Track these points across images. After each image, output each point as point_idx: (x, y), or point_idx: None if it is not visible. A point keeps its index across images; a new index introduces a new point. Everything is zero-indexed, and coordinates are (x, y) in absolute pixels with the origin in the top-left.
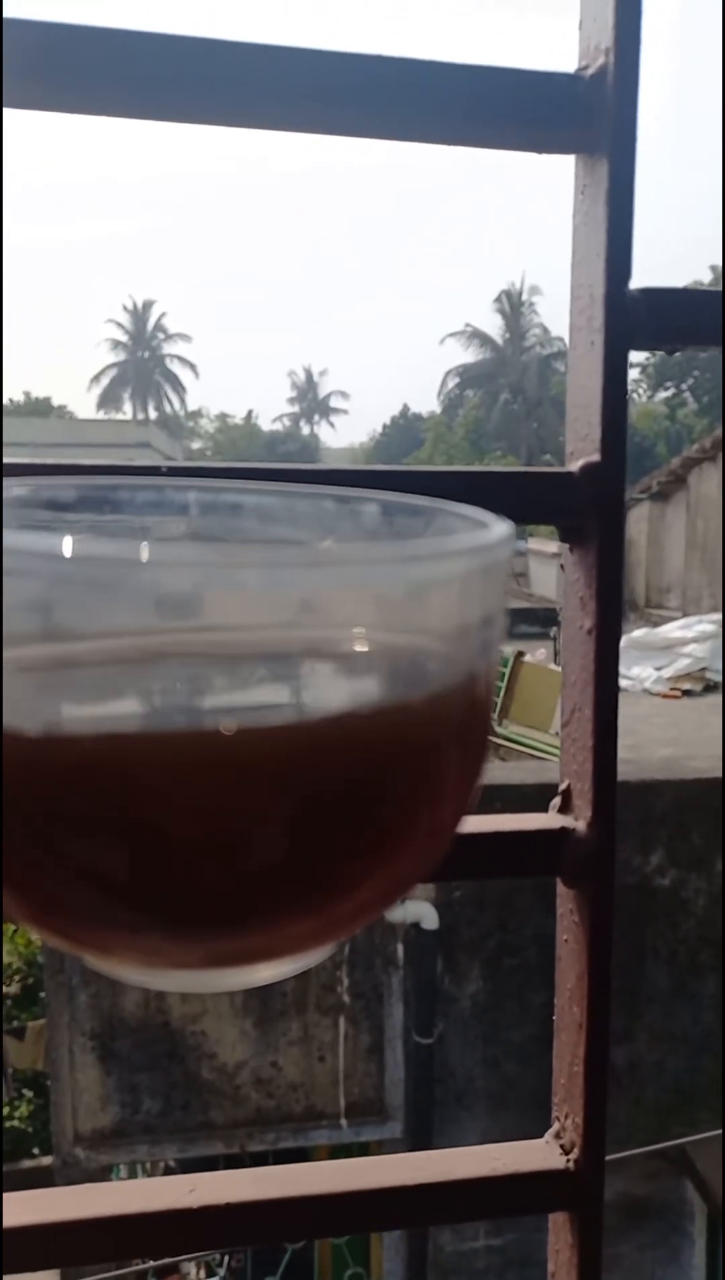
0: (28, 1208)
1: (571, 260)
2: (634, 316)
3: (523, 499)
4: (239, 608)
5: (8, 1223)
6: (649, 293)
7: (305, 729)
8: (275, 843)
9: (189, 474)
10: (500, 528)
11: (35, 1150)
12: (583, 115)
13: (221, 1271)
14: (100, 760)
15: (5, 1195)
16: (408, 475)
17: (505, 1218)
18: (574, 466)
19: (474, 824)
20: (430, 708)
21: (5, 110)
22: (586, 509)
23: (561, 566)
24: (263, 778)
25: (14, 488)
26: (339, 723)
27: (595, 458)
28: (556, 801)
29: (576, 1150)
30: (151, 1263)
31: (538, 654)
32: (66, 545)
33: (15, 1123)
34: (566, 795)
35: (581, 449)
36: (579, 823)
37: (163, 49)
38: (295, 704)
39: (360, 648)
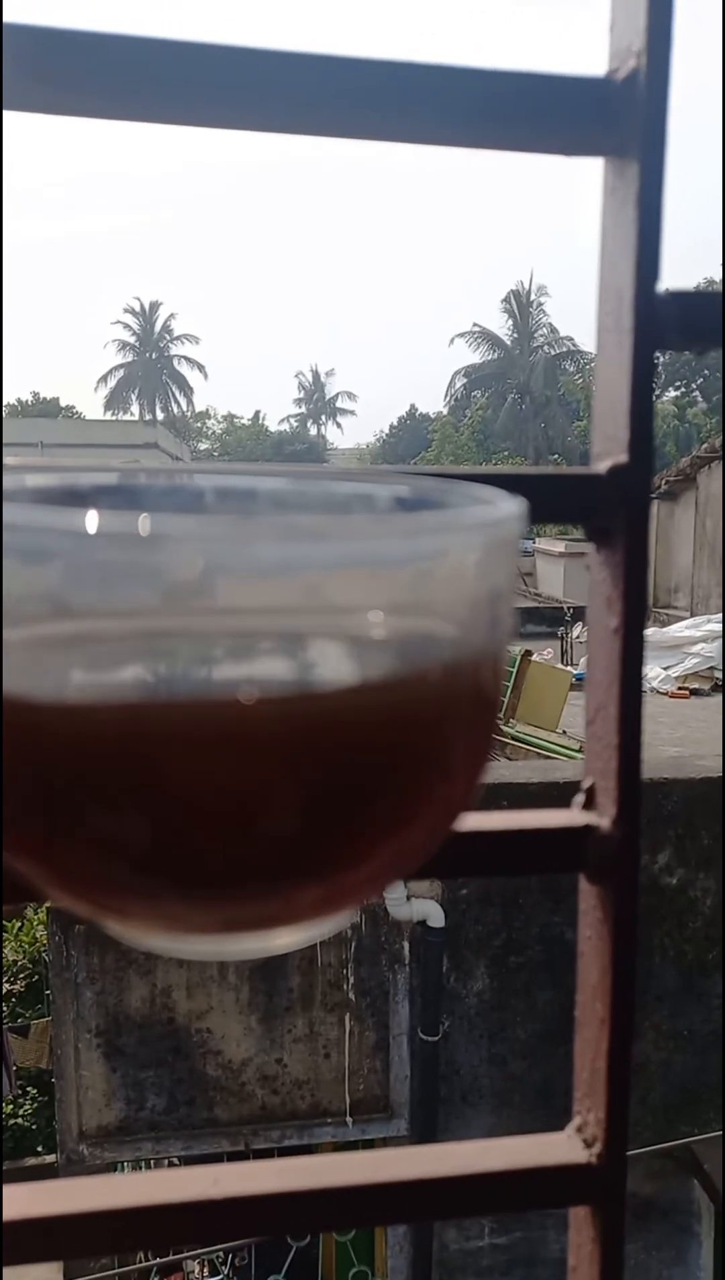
0: (42, 1198)
1: (599, 261)
2: (663, 318)
3: (550, 499)
4: (249, 580)
5: (23, 1214)
6: (678, 295)
7: (318, 700)
8: (289, 811)
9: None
10: (508, 504)
11: (39, 1148)
12: (613, 118)
13: (226, 1270)
14: (118, 729)
15: (22, 1185)
16: (433, 476)
17: (527, 1211)
18: (601, 467)
19: (497, 820)
20: (440, 681)
21: (7, 112)
22: (614, 510)
23: (587, 567)
24: (277, 747)
25: (28, 478)
26: (350, 694)
27: (623, 459)
28: (580, 798)
29: (599, 1144)
30: (156, 1260)
31: (545, 653)
32: (82, 520)
33: (20, 1120)
34: (590, 793)
35: (608, 450)
36: (603, 820)
37: (165, 55)
38: (307, 676)
39: (370, 620)
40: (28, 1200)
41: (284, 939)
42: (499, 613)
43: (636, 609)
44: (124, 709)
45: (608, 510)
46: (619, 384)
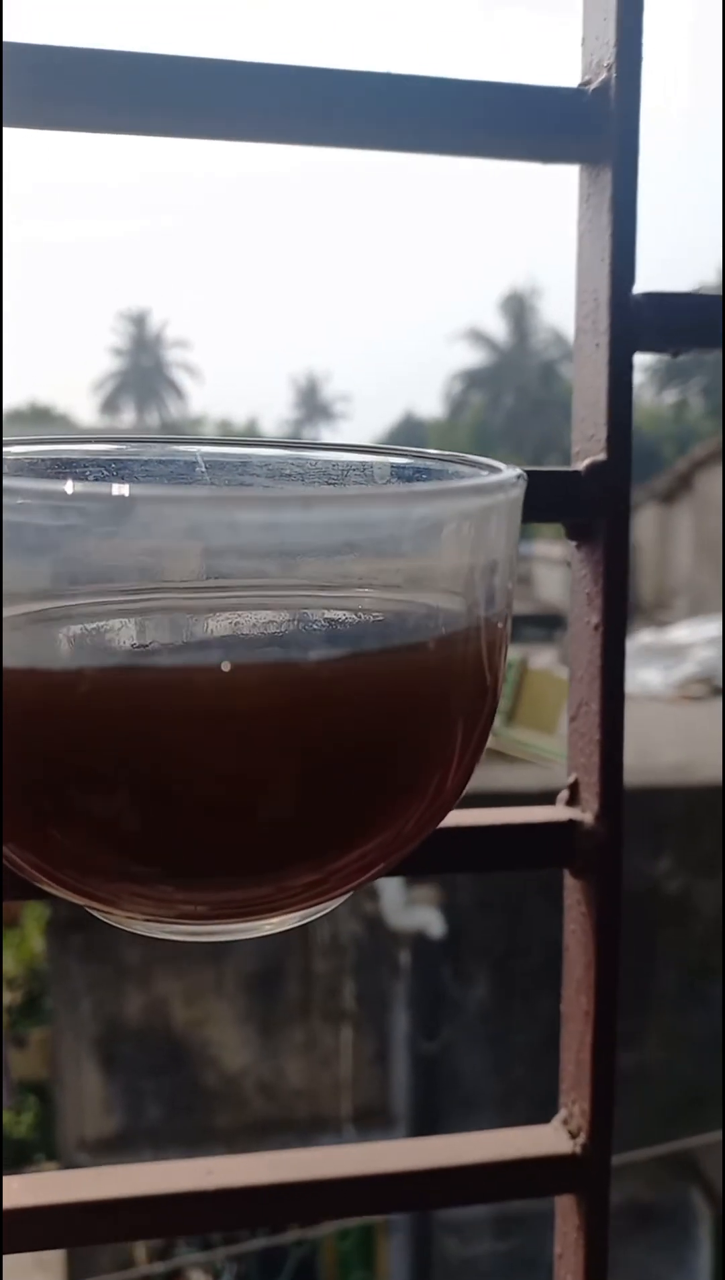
0: (40, 1188)
1: (576, 266)
2: (638, 320)
3: (529, 497)
4: (235, 548)
5: (21, 1203)
6: (652, 296)
7: (307, 673)
8: (282, 789)
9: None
10: (506, 472)
11: (39, 1156)
12: (586, 128)
13: (227, 1277)
14: (107, 707)
15: (15, 1176)
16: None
17: (514, 1200)
18: (580, 465)
19: (482, 816)
20: (433, 656)
21: (6, 129)
22: (593, 506)
23: (568, 564)
24: (270, 722)
25: (18, 448)
26: (344, 667)
27: (601, 457)
28: (564, 795)
29: (583, 1135)
30: (157, 1264)
31: (543, 658)
32: (62, 486)
33: (19, 1129)
34: (574, 788)
35: (587, 449)
36: (587, 815)
37: (164, 70)
38: (300, 648)
39: (362, 592)
40: (20, 1190)
41: (274, 922)
42: (496, 584)
43: (617, 605)
44: (111, 685)
45: (587, 507)
46: (597, 384)
